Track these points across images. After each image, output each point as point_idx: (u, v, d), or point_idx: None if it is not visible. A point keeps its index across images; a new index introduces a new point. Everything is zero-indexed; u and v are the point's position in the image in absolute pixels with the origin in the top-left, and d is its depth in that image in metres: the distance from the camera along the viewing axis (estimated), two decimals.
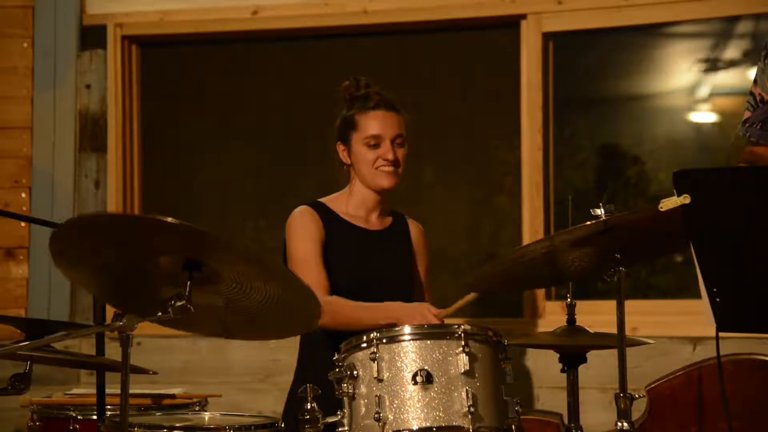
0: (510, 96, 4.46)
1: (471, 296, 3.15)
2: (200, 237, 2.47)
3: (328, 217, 3.43)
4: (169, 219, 2.40)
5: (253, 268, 2.60)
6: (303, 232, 3.38)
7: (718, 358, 2.38)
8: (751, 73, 3.12)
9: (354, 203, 3.48)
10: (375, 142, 3.40)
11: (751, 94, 3.12)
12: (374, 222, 3.50)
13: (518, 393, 2.80)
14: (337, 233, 3.41)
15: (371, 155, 3.40)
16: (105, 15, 4.71)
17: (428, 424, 2.64)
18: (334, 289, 3.32)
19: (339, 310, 3.24)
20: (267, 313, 2.68)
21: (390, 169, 3.40)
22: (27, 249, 4.65)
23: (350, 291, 3.33)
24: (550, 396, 4.17)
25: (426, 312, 3.20)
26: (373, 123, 3.41)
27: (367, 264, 3.43)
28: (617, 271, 2.73)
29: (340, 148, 3.48)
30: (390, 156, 3.39)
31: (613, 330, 2.75)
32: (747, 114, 3.13)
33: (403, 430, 2.65)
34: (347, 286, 3.35)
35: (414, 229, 3.59)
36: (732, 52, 4.38)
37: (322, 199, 3.50)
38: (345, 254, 3.40)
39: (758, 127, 3.10)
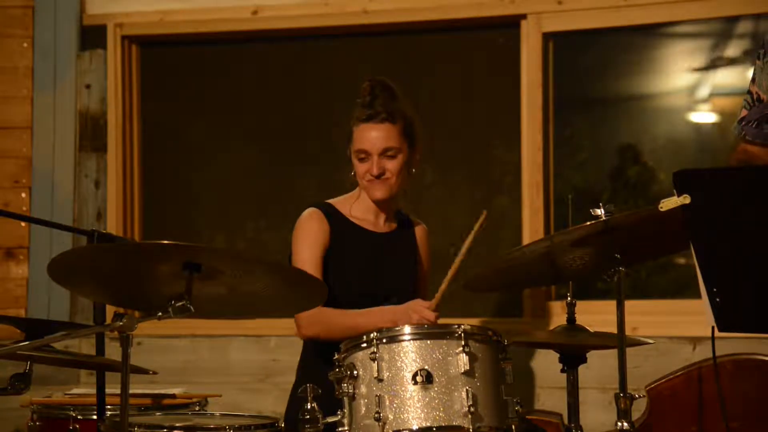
0: (510, 96, 4.45)
1: (454, 267, 3.15)
2: (197, 251, 2.51)
3: (335, 218, 3.44)
4: (165, 242, 2.46)
5: (252, 266, 2.64)
6: (307, 237, 3.39)
7: (713, 358, 2.38)
8: (751, 72, 3.12)
9: (362, 207, 3.48)
10: (363, 156, 3.40)
11: (749, 92, 3.11)
12: (381, 225, 3.51)
13: (518, 393, 2.80)
14: (343, 235, 3.42)
15: (361, 168, 3.41)
16: (105, 15, 4.71)
17: (428, 424, 2.64)
18: (340, 290, 3.31)
19: (331, 319, 3.26)
20: (272, 294, 2.72)
21: (377, 182, 3.40)
22: (27, 249, 4.65)
23: (356, 292, 3.35)
24: (550, 396, 4.17)
25: (418, 307, 3.21)
26: (361, 137, 3.39)
27: (374, 266, 3.44)
28: (617, 271, 2.73)
29: (348, 153, 3.49)
30: (374, 171, 3.38)
31: (613, 330, 2.75)
32: (744, 112, 3.12)
33: (403, 430, 2.65)
34: (353, 287, 3.37)
35: (419, 230, 3.60)
36: (732, 52, 4.37)
37: (332, 200, 3.51)
38: (351, 256, 3.41)
39: (754, 125, 3.09)
